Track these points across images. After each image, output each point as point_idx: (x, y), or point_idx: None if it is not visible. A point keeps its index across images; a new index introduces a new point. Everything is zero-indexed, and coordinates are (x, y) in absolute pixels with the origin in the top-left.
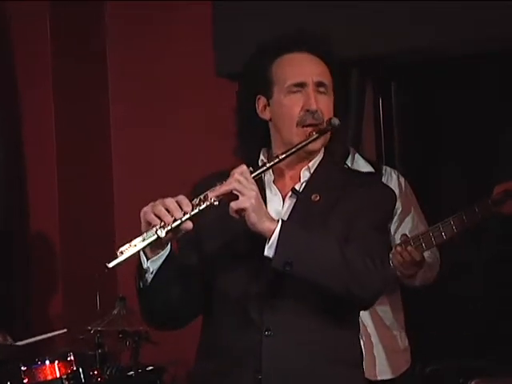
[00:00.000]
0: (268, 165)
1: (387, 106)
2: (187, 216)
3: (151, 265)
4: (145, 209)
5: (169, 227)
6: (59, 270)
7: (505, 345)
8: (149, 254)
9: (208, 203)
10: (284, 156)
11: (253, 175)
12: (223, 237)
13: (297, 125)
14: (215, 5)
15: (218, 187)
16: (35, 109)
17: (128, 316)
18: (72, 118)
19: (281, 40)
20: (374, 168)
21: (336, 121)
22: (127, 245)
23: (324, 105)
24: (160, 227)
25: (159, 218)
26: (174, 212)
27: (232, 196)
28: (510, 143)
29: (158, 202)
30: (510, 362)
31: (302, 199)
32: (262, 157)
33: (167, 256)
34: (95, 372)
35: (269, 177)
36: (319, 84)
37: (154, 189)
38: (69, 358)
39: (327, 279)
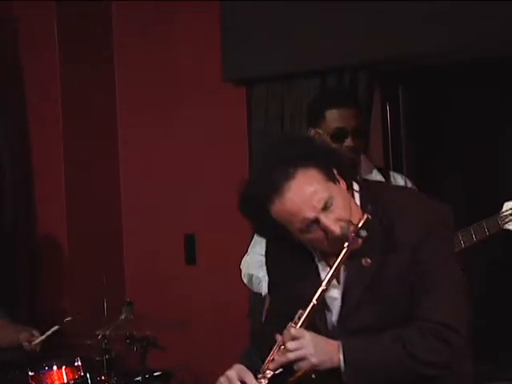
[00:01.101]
0: (313, 302)
1: (395, 111)
2: None
3: None
4: None
5: None
6: (66, 274)
7: (507, 349)
8: None
9: (270, 376)
10: (324, 287)
11: (303, 322)
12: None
13: (332, 248)
14: (223, 9)
15: (277, 359)
16: (43, 111)
17: (135, 321)
18: (79, 121)
19: (263, 187)
20: (382, 175)
21: (363, 233)
22: None
23: (340, 214)
24: None
25: None
26: None
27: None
28: None
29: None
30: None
31: (352, 267)
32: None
33: None
34: (102, 377)
35: (317, 256)
36: (324, 206)
37: (161, 192)
38: (76, 364)
39: (400, 380)
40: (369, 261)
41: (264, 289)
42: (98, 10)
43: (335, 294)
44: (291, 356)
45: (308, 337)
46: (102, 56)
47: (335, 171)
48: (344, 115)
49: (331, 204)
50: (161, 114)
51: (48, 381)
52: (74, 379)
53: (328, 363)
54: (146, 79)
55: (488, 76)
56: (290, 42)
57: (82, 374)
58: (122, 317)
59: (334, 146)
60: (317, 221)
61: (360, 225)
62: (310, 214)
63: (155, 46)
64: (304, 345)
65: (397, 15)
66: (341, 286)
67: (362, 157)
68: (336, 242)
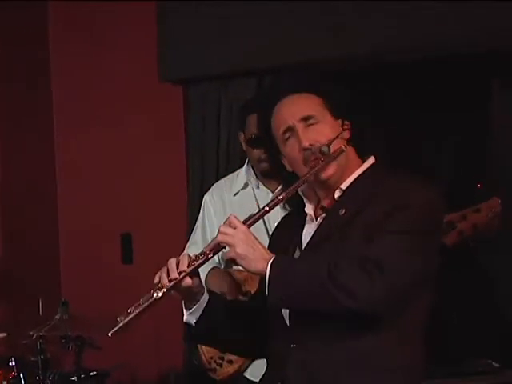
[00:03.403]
0: (266, 208)
1: None
2: (183, 274)
3: (189, 318)
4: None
5: (164, 289)
6: (1, 274)
7: (440, 346)
8: (189, 306)
9: (204, 258)
10: (282, 196)
11: (248, 222)
12: None
13: (304, 164)
14: (159, 9)
15: (210, 243)
16: None
17: (71, 321)
18: (14, 121)
19: (267, 94)
20: None
21: (325, 148)
22: (128, 311)
23: (316, 134)
24: (157, 289)
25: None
26: (170, 273)
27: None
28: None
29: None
30: (446, 364)
31: (329, 216)
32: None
33: (206, 306)
34: (37, 377)
35: (308, 207)
36: (304, 119)
37: (96, 191)
38: (10, 364)
39: (316, 303)
40: (344, 211)
41: None
42: (33, 10)
43: (307, 239)
44: (219, 237)
45: (243, 229)
46: (37, 55)
47: (345, 121)
48: None
49: (314, 121)
50: (97, 115)
51: None
52: (8, 379)
53: (254, 264)
54: (83, 80)
55: (422, 79)
56: (227, 42)
57: (16, 374)
58: (57, 317)
59: (253, 153)
60: (293, 129)
61: (327, 143)
62: (290, 119)
63: (91, 47)
64: (234, 234)
65: (334, 16)
66: (312, 232)
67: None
68: (308, 158)
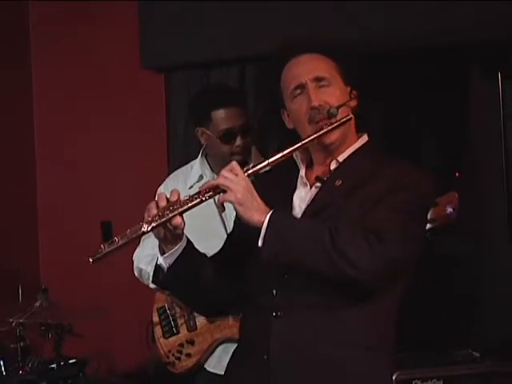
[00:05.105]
0: (267, 161)
1: None
2: (175, 213)
3: (163, 261)
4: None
5: (154, 224)
6: None
7: (422, 337)
8: (165, 250)
9: (199, 200)
10: (287, 152)
11: (249, 172)
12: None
13: (309, 123)
14: None
15: (207, 183)
16: None
17: (50, 308)
18: None
19: (282, 50)
20: None
21: (334, 110)
22: (111, 240)
23: (327, 96)
24: (146, 222)
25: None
26: (161, 208)
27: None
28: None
29: (155, 199)
30: (427, 354)
31: (325, 185)
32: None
33: (182, 252)
34: (17, 365)
35: (302, 170)
36: (317, 79)
37: (77, 178)
38: None
39: (314, 263)
40: (340, 182)
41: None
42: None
43: (302, 207)
44: (220, 180)
45: (244, 177)
46: (18, 40)
47: (353, 89)
48: (231, 115)
49: (326, 84)
50: (79, 102)
51: None
52: None
53: (251, 213)
54: (64, 67)
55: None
56: (210, 30)
57: None
58: (37, 304)
59: (224, 147)
60: (305, 86)
61: (336, 106)
62: (303, 76)
63: (74, 34)
64: (236, 180)
65: (317, 4)
66: (308, 202)
67: (253, 148)
68: (314, 117)
